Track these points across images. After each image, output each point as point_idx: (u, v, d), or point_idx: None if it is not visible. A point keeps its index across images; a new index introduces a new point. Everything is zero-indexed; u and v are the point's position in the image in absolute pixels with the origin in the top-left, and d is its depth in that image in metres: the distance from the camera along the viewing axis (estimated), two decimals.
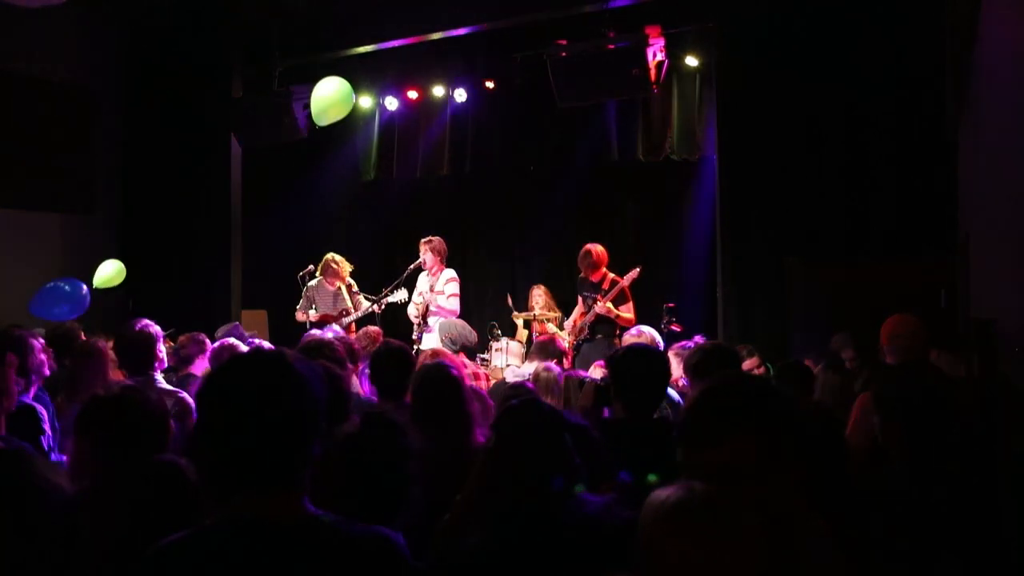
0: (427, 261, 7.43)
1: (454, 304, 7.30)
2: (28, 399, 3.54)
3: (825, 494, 2.15)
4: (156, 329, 3.99)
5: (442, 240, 7.53)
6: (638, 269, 6.97)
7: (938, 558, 2.57)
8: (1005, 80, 3.14)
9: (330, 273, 7.65)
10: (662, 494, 1.51)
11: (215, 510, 1.61)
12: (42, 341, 3.96)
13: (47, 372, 3.89)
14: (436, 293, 7.39)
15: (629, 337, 5.39)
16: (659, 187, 8.57)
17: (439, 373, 3.24)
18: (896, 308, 4.11)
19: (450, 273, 7.41)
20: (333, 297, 7.63)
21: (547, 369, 4.40)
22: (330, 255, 7.70)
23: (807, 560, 1.62)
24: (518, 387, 3.65)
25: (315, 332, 5.08)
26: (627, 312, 6.91)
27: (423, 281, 7.53)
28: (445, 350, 4.84)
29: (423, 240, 7.50)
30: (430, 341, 7.07)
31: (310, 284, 7.64)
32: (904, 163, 6.24)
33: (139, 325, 3.92)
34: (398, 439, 2.12)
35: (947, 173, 5.58)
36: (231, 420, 1.53)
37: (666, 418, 3.35)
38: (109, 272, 7.17)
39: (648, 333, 5.29)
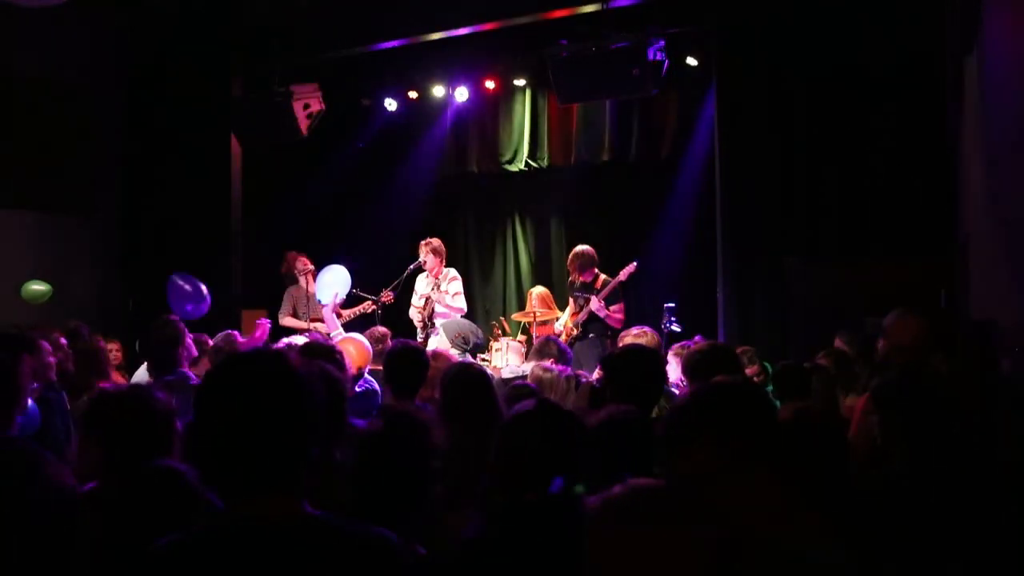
0: (428, 262, 7.44)
1: (461, 302, 7.35)
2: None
3: (826, 495, 2.15)
4: (182, 326, 3.98)
5: (441, 241, 7.55)
6: (634, 264, 6.97)
7: (938, 558, 2.57)
8: (1005, 80, 3.14)
9: (298, 273, 7.55)
10: (606, 493, 1.52)
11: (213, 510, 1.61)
12: (63, 341, 3.99)
13: (53, 376, 3.92)
14: (442, 293, 7.41)
15: (630, 336, 5.38)
16: (658, 186, 8.57)
17: (471, 373, 3.25)
18: (897, 307, 4.10)
19: (453, 272, 7.46)
20: (315, 300, 7.50)
21: (546, 369, 4.38)
22: (292, 252, 7.67)
23: (805, 561, 1.62)
24: (521, 388, 3.62)
25: (293, 339, 5.04)
26: (618, 312, 6.92)
27: (422, 283, 7.53)
28: (444, 350, 4.83)
29: (423, 242, 7.51)
30: (438, 343, 7.09)
31: (289, 288, 7.61)
32: (904, 163, 6.24)
33: (166, 322, 3.91)
34: (423, 438, 2.13)
35: (947, 173, 5.58)
36: (230, 419, 1.52)
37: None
38: (39, 289, 7.11)
39: (652, 333, 5.28)
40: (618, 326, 6.78)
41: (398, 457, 2.09)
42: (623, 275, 6.94)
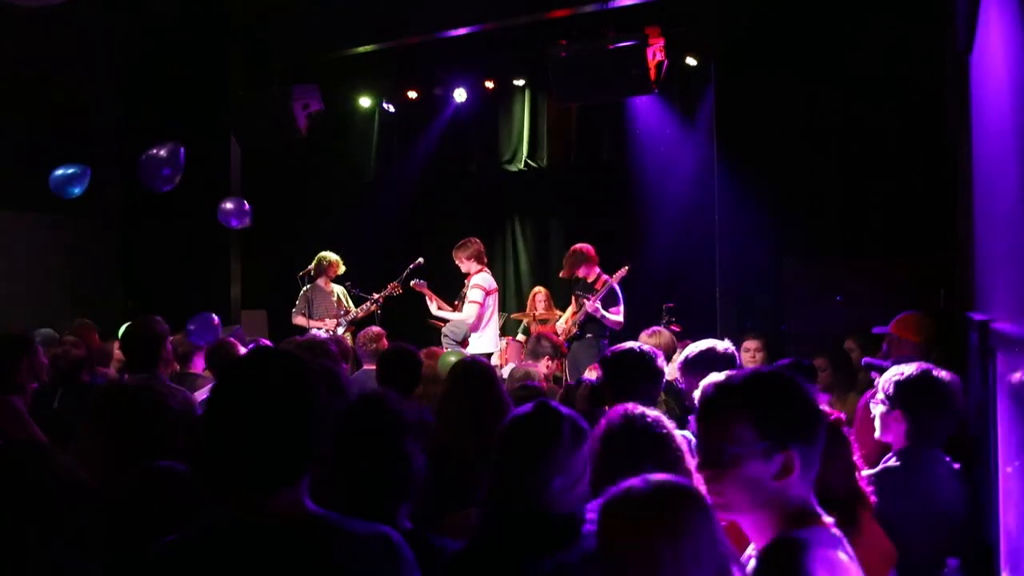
0: (463, 267, 7.28)
1: (468, 311, 7.15)
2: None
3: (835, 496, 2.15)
4: (164, 327, 4.02)
5: (471, 240, 7.30)
6: (626, 268, 6.95)
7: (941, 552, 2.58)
8: (1004, 79, 3.14)
9: (326, 272, 7.53)
10: (619, 487, 1.53)
11: (216, 508, 1.61)
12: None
13: (46, 377, 3.99)
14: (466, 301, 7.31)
15: (644, 336, 5.34)
16: (658, 186, 8.57)
17: (475, 369, 3.23)
18: (898, 307, 4.11)
19: (477, 279, 7.21)
20: (331, 298, 7.56)
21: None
22: (323, 253, 7.63)
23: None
24: (530, 389, 3.59)
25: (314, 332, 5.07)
26: (615, 315, 6.85)
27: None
28: (439, 349, 4.84)
29: (455, 248, 7.27)
30: (477, 344, 7.11)
31: (306, 287, 7.56)
32: (903, 162, 6.23)
33: (148, 323, 3.96)
34: (390, 416, 2.10)
35: (946, 172, 5.57)
36: (243, 417, 1.53)
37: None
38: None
39: (666, 333, 5.25)
40: (617, 327, 6.75)
41: (362, 439, 2.07)
42: (615, 278, 6.90)
